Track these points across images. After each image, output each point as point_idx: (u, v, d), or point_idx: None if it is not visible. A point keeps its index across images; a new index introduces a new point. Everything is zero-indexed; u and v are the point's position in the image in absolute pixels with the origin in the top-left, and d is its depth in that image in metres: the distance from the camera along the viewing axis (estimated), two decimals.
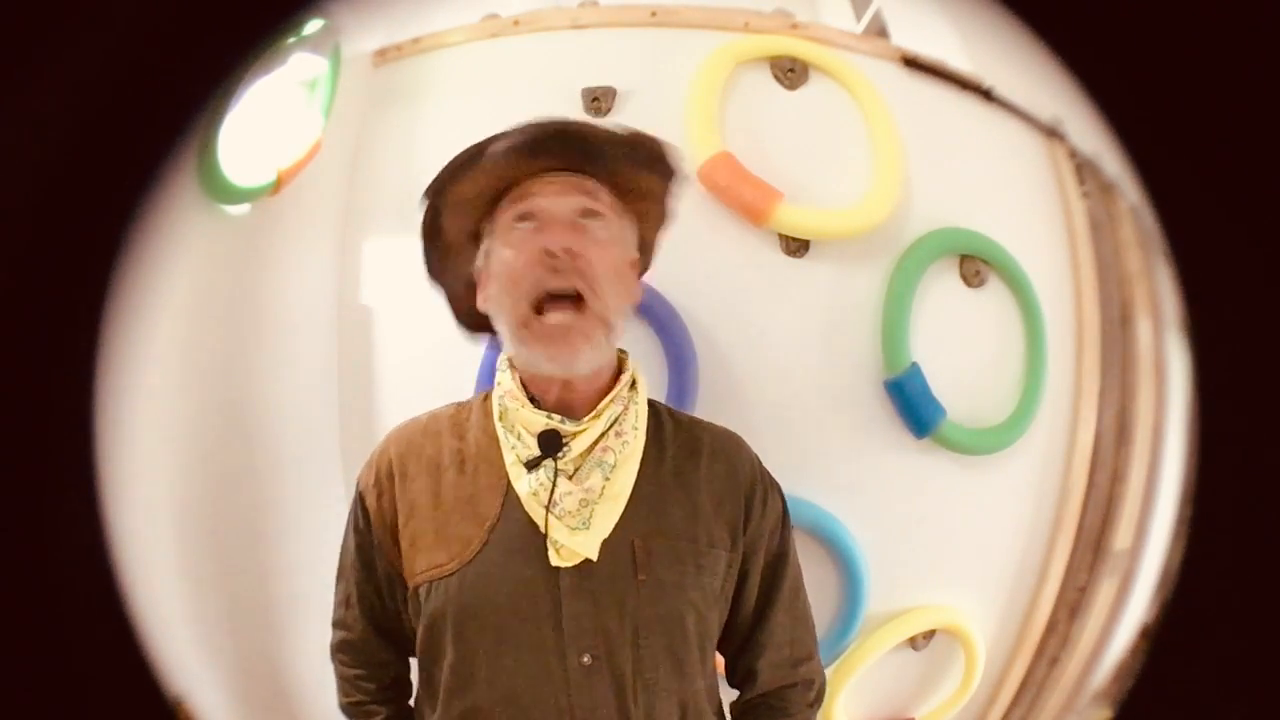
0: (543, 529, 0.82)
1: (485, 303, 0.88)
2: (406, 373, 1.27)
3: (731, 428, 0.94)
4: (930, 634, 1.33)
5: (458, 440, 0.89)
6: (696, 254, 1.19)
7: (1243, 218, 0.49)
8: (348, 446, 1.25)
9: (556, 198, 0.85)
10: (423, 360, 1.24)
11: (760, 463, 0.93)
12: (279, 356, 1.24)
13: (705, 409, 1.12)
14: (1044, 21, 0.50)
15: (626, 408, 0.87)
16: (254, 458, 1.21)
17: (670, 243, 0.96)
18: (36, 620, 0.50)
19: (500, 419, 0.87)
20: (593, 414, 0.85)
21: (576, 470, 0.84)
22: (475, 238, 0.90)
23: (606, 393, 0.87)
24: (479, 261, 0.89)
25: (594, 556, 0.82)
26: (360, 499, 0.90)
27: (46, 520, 0.50)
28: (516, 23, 1.26)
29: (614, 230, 0.88)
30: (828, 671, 1.27)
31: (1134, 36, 0.49)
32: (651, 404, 0.92)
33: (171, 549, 1.07)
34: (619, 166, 0.88)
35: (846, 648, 1.28)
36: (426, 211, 0.90)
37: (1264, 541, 0.50)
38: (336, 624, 0.93)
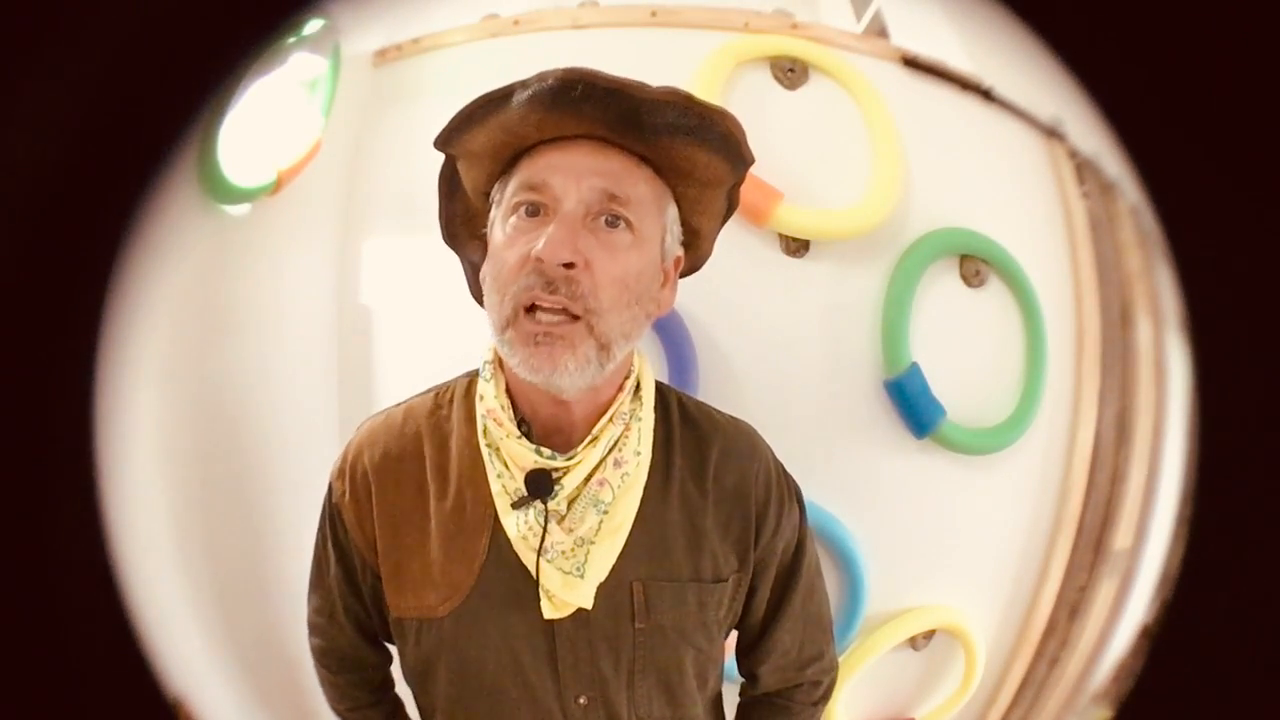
0: (534, 575, 0.75)
1: (484, 280, 0.76)
2: (406, 373, 1.26)
3: None
4: (930, 634, 1.33)
5: (439, 451, 0.80)
6: None
7: (1243, 218, 0.49)
8: None
9: (572, 180, 0.71)
10: (423, 360, 1.24)
11: (776, 468, 0.86)
12: (279, 357, 1.24)
13: None
14: (1044, 21, 0.50)
15: (628, 426, 0.77)
16: (253, 457, 1.21)
17: None
18: (37, 620, 0.50)
19: (483, 435, 0.77)
20: (588, 439, 0.75)
21: (569, 510, 0.75)
22: (489, 197, 0.79)
23: (608, 408, 0.77)
24: (489, 227, 0.77)
25: (588, 606, 0.76)
26: (338, 512, 0.82)
27: (46, 520, 0.50)
28: (516, 23, 1.26)
29: (642, 228, 0.73)
30: None
31: (1134, 36, 0.49)
32: (661, 395, 0.83)
33: (172, 548, 1.07)
34: (673, 144, 0.73)
35: (846, 648, 1.28)
36: (445, 161, 0.80)
37: (1264, 541, 0.50)
38: (317, 631, 0.88)
